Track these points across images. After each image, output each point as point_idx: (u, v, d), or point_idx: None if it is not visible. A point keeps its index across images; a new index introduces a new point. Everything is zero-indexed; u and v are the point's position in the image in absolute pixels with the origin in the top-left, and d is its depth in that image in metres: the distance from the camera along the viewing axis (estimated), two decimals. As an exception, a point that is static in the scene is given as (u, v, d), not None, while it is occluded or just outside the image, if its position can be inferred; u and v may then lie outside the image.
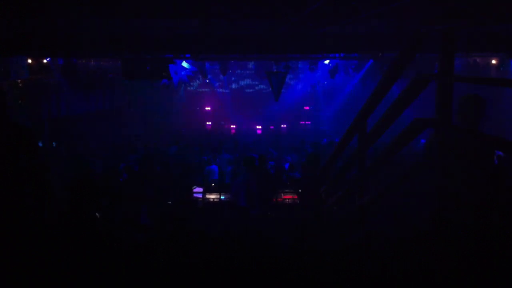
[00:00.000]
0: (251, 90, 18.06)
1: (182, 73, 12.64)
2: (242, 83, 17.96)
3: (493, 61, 10.91)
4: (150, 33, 7.69)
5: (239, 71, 16.79)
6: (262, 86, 17.40)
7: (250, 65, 15.86)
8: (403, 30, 6.88)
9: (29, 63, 9.85)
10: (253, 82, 17.72)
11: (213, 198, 7.71)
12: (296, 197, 7.11)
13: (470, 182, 2.67)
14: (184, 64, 11.82)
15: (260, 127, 17.68)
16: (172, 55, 9.67)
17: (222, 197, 7.61)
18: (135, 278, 3.63)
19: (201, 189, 7.73)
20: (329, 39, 7.79)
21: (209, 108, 18.24)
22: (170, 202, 6.50)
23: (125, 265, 3.80)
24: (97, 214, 4.40)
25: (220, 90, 18.10)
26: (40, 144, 9.57)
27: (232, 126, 17.71)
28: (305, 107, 18.34)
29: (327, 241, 4.17)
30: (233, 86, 17.92)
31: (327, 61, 11.73)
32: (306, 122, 18.18)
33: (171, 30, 7.55)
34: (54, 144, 11.10)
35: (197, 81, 17.11)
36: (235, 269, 3.76)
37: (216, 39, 7.71)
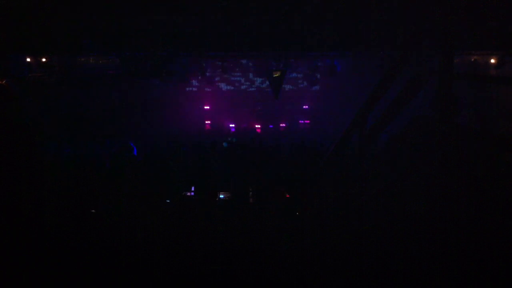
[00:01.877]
0: (251, 88, 18.04)
1: (182, 70, 12.63)
2: (241, 80, 17.93)
3: (492, 60, 10.88)
4: (151, 30, 7.66)
5: (238, 68, 16.79)
6: (260, 83, 17.38)
7: (250, 63, 15.85)
8: (402, 28, 6.88)
9: (29, 61, 9.87)
10: (253, 79, 17.69)
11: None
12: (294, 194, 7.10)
13: (470, 181, 2.66)
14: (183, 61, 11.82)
15: (259, 126, 17.64)
16: (172, 52, 9.64)
17: (221, 196, 7.61)
18: (135, 278, 3.63)
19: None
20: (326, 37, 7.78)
21: (208, 107, 18.19)
22: (168, 200, 6.47)
23: (125, 265, 3.80)
24: (95, 211, 4.39)
25: (219, 87, 18.08)
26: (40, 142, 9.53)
27: (231, 125, 17.66)
28: (304, 106, 18.30)
29: (327, 240, 4.17)
30: (232, 82, 17.91)
31: None
32: (305, 121, 18.13)
33: (171, 28, 7.52)
34: (53, 142, 11.08)
35: (197, 78, 17.05)
36: (234, 268, 3.76)
37: (216, 36, 7.68)
